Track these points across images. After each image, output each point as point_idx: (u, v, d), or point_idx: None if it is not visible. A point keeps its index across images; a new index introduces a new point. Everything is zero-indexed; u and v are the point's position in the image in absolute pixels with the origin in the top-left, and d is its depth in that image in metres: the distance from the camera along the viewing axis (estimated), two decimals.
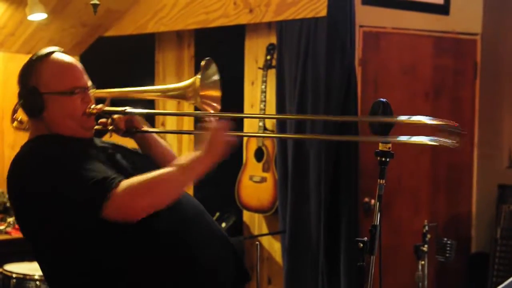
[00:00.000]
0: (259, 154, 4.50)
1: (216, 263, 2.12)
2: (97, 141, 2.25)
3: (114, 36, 5.07)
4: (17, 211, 2.14)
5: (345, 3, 3.96)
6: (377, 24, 4.39)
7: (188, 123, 4.95)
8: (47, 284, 2.17)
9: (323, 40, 4.02)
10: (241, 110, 4.73)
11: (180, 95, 2.31)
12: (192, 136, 4.91)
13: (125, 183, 1.93)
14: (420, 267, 3.44)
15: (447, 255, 3.57)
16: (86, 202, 1.93)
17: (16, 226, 4.56)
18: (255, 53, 4.67)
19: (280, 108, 4.32)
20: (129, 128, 2.26)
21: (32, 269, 3.75)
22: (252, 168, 4.53)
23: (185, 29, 4.87)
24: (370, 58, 4.37)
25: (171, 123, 5.08)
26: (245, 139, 4.56)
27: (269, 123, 4.50)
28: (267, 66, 4.46)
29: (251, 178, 4.54)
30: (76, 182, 1.94)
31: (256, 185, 4.51)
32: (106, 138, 2.32)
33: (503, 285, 2.27)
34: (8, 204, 4.82)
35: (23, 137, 2.29)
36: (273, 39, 4.43)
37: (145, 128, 2.30)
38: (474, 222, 4.70)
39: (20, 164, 2.08)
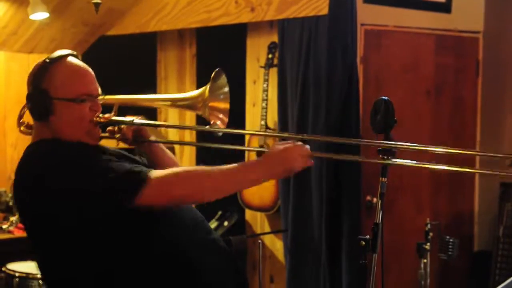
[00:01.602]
0: (261, 153, 4.49)
1: (217, 273, 2.09)
2: (104, 148, 2.22)
3: (116, 35, 5.07)
4: (26, 214, 2.09)
5: (346, 1, 3.95)
6: (378, 22, 4.38)
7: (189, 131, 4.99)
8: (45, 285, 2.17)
9: (324, 38, 4.02)
10: (242, 109, 4.73)
11: (189, 105, 2.28)
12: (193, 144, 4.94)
13: (160, 171, 1.95)
14: (422, 265, 3.43)
15: (450, 253, 3.57)
16: (115, 192, 1.91)
17: (19, 225, 4.56)
18: (256, 51, 4.67)
19: (282, 106, 4.32)
20: (137, 138, 2.23)
21: (35, 268, 3.75)
22: None
23: (187, 27, 4.87)
24: (371, 56, 4.37)
25: (172, 130, 5.08)
26: (247, 136, 4.54)
27: (271, 122, 4.50)
28: (268, 65, 4.45)
29: None
30: (100, 174, 1.93)
31: None
32: (112, 145, 2.31)
33: (503, 284, 2.27)
34: (10, 203, 4.82)
35: (26, 137, 2.27)
36: (275, 38, 4.43)
37: (153, 138, 2.28)
38: (477, 220, 4.70)
39: (31, 167, 2.03)
